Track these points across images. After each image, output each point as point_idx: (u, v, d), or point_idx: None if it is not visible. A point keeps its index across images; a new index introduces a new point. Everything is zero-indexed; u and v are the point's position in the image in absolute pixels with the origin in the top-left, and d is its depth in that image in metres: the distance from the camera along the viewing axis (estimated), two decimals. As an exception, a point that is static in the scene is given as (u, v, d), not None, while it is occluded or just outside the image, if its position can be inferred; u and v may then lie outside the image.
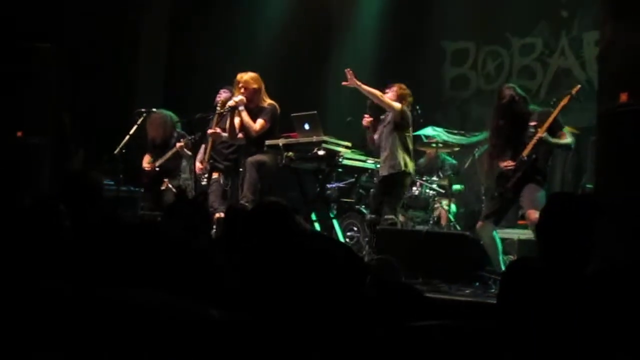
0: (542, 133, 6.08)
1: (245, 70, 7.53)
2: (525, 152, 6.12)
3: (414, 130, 8.56)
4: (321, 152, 7.11)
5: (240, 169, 7.59)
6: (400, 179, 7.37)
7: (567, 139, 6.24)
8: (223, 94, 7.85)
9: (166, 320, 2.36)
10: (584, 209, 2.93)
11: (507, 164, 6.19)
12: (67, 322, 2.51)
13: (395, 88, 7.52)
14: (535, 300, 2.61)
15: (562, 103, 6.16)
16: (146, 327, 2.36)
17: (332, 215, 7.93)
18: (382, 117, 7.60)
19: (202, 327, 2.33)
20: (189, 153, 8.18)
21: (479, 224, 6.46)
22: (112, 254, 2.79)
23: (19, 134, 7.88)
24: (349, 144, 7.53)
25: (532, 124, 6.22)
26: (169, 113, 8.21)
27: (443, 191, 8.54)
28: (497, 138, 6.34)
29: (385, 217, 7.22)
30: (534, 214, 5.92)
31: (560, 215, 2.94)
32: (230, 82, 7.73)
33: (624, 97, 5.18)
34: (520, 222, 8.04)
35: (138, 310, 2.38)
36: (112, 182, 7.75)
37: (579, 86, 6.42)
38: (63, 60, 8.41)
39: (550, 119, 6.11)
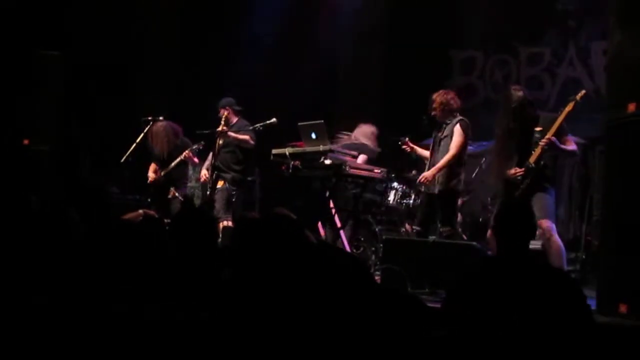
0: (549, 138, 5.95)
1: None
2: (533, 159, 6.01)
3: (422, 139, 8.55)
4: (328, 162, 7.08)
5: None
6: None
7: (573, 145, 6.14)
8: (222, 111, 7.95)
9: (159, 322, 2.36)
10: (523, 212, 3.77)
11: (515, 171, 6.10)
12: (69, 325, 2.52)
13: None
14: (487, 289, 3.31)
15: (567, 109, 6.02)
16: (142, 331, 2.36)
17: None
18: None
19: (193, 329, 2.33)
20: (196, 161, 8.20)
21: (490, 232, 6.42)
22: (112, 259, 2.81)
23: (26, 141, 7.89)
24: (356, 153, 7.51)
25: (538, 129, 6.10)
26: (171, 124, 8.20)
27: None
28: (509, 140, 6.22)
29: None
30: (545, 223, 5.88)
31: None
32: (232, 94, 7.87)
33: (632, 107, 5.16)
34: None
35: (135, 316, 2.38)
36: (118, 191, 7.75)
37: (584, 91, 6.21)
38: (70, 68, 8.43)
39: (556, 125, 5.98)
